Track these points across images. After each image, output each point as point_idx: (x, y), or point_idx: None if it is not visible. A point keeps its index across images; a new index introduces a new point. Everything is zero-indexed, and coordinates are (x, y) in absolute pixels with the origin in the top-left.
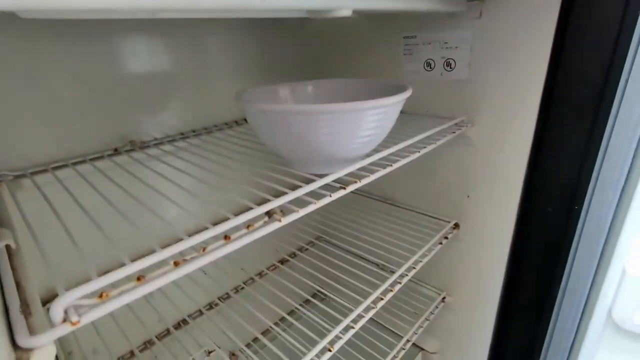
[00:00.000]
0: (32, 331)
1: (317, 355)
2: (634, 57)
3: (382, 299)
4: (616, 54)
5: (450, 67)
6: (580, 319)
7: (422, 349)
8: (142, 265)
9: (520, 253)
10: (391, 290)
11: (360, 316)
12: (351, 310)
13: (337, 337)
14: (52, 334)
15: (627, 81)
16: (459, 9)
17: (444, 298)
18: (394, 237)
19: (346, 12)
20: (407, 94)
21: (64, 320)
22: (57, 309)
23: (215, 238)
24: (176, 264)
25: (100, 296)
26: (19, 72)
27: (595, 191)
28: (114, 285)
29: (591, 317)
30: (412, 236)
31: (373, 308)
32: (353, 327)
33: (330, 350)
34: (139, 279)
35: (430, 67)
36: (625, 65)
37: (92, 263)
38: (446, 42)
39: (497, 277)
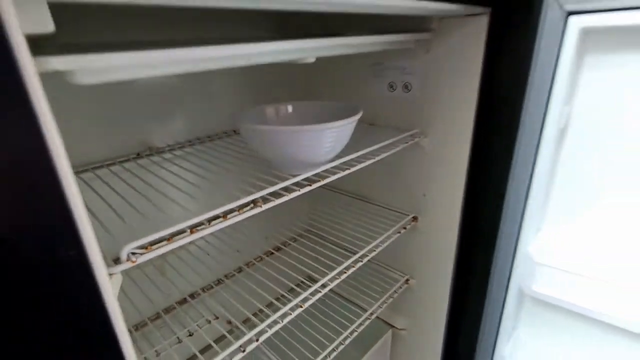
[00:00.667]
0: (110, 265)
1: (292, 309)
2: (530, 88)
3: (345, 272)
4: (524, 83)
5: (408, 89)
6: (506, 292)
7: (393, 326)
8: (171, 230)
9: (465, 241)
10: (353, 267)
11: (325, 285)
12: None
13: (308, 298)
14: (121, 267)
15: (528, 102)
16: (409, 46)
17: (407, 280)
18: (364, 227)
19: (311, 60)
20: (357, 117)
21: (127, 260)
22: (124, 253)
23: (215, 217)
24: (192, 231)
25: (146, 248)
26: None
27: (511, 187)
28: (151, 244)
29: (509, 290)
30: (378, 227)
31: (337, 279)
32: (320, 292)
33: (301, 307)
34: (168, 239)
35: (393, 89)
36: (526, 92)
37: (136, 230)
38: (405, 69)
39: (449, 263)
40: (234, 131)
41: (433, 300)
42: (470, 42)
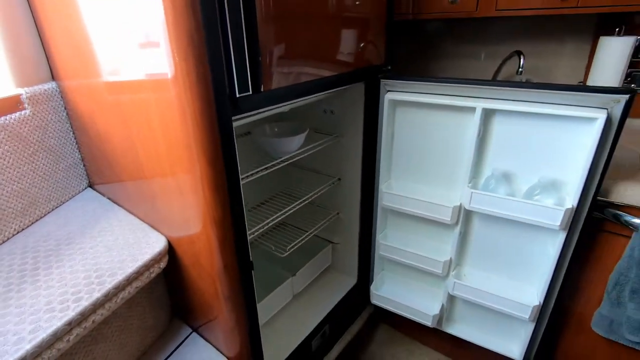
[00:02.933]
0: None
1: (276, 219)
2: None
3: (297, 206)
4: (376, 112)
5: (333, 113)
6: (377, 209)
7: (332, 242)
8: None
9: (363, 189)
10: (300, 204)
11: (284, 213)
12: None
13: (280, 216)
14: None
15: (379, 122)
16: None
17: (338, 213)
18: (313, 184)
19: (285, 109)
20: (305, 132)
21: None
22: None
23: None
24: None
25: None
26: None
27: (377, 161)
28: None
29: (377, 207)
30: (321, 183)
31: (293, 210)
32: (282, 216)
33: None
34: None
35: (326, 112)
36: (378, 117)
37: None
38: (331, 103)
39: (357, 202)
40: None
41: (352, 225)
42: (359, 91)
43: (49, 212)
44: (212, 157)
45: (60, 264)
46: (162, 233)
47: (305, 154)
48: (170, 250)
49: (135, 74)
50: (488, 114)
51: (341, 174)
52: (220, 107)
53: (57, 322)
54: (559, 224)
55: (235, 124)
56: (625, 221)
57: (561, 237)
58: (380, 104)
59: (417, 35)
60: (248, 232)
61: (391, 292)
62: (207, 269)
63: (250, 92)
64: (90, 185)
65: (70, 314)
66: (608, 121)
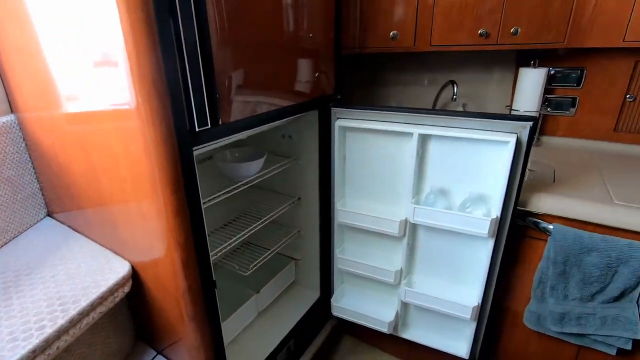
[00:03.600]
0: None
1: (239, 238)
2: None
3: (259, 225)
4: (329, 137)
5: (291, 138)
6: (334, 225)
7: (294, 258)
8: None
9: (322, 207)
10: (262, 224)
11: (246, 233)
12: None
13: (245, 234)
14: None
15: (332, 147)
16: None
17: (299, 231)
18: (274, 204)
19: (243, 137)
20: (264, 157)
21: None
22: None
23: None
24: None
25: None
26: None
27: (332, 181)
28: None
29: (334, 224)
30: (282, 203)
31: (255, 229)
32: (245, 235)
33: (230, 246)
34: None
35: (284, 137)
36: (331, 141)
37: None
38: (288, 129)
39: (316, 220)
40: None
41: (312, 241)
42: (313, 118)
43: (6, 243)
44: (174, 185)
45: (20, 295)
46: (125, 258)
47: (265, 177)
48: (134, 274)
49: (97, 111)
50: (424, 138)
51: (300, 194)
52: (181, 140)
53: (20, 350)
54: (487, 232)
55: (196, 153)
56: (542, 227)
57: (490, 244)
58: (332, 130)
59: (364, 66)
60: (211, 253)
61: (350, 303)
62: (171, 291)
63: (209, 126)
64: (49, 214)
65: (34, 341)
66: (518, 143)
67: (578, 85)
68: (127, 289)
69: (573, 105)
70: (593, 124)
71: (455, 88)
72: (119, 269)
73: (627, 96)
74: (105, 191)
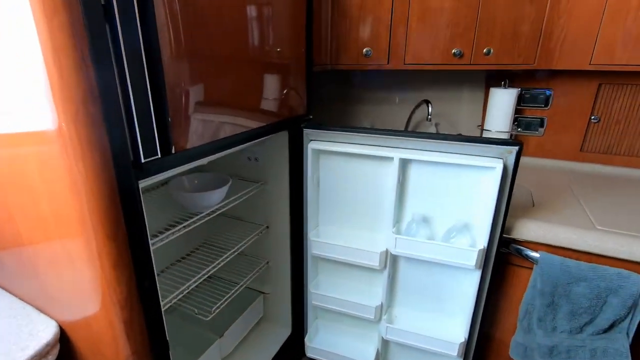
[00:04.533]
0: None
1: (199, 279)
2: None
3: (223, 261)
4: (301, 159)
5: (257, 160)
6: (307, 258)
7: (262, 292)
8: None
9: (293, 236)
10: (227, 257)
11: (208, 271)
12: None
13: (203, 276)
14: None
15: (305, 170)
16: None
17: (267, 262)
18: (240, 233)
19: (203, 162)
20: (228, 184)
21: None
22: None
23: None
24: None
25: None
26: None
27: (305, 207)
28: None
29: (308, 256)
30: (247, 233)
31: (219, 265)
32: (210, 271)
33: (200, 279)
34: None
35: (250, 160)
36: (303, 165)
37: None
38: (254, 152)
39: (287, 249)
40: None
41: (283, 274)
42: (283, 139)
43: None
44: (111, 228)
45: None
46: (51, 317)
47: (229, 206)
48: (63, 337)
49: (7, 133)
50: (405, 163)
51: (269, 222)
52: (121, 172)
53: None
54: (473, 264)
55: (142, 185)
56: (526, 255)
57: (477, 275)
58: (305, 153)
59: (336, 82)
60: (163, 302)
61: (326, 342)
62: (110, 359)
63: (159, 156)
64: None
65: None
66: (505, 169)
67: (546, 106)
68: (52, 357)
69: (541, 126)
70: (561, 145)
71: (429, 108)
72: (43, 332)
73: (592, 117)
74: (21, 231)
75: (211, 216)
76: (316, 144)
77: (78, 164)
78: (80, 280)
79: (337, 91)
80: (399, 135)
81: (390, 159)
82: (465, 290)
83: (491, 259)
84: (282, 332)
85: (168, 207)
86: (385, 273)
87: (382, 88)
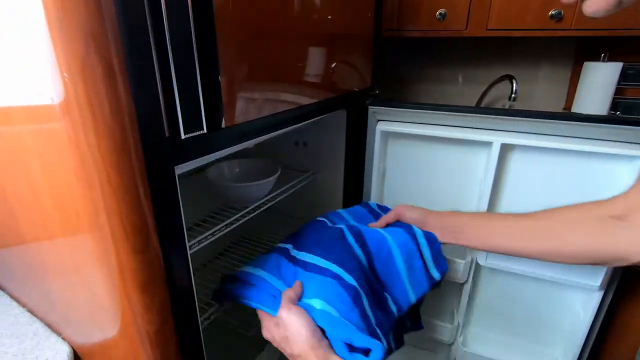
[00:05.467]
0: None
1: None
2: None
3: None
4: (364, 146)
5: (307, 145)
6: None
7: None
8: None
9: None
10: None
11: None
12: None
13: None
14: None
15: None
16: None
17: None
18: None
19: (249, 145)
20: (276, 176)
21: None
22: None
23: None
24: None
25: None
26: None
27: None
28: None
29: None
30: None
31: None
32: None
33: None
34: None
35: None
36: (366, 151)
37: None
38: (303, 135)
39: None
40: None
41: None
42: (338, 120)
43: None
44: (138, 235)
45: None
46: (64, 338)
47: (277, 199)
48: None
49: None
50: (505, 149)
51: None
52: (153, 155)
53: None
54: (598, 283)
55: (178, 171)
56: None
57: (597, 297)
58: (369, 136)
59: (392, 55)
60: (203, 317)
61: None
62: None
63: (205, 131)
64: None
65: None
66: None
67: None
68: None
69: None
70: None
71: (514, 85)
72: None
73: None
74: (24, 230)
75: (257, 212)
76: (386, 125)
77: (88, 138)
78: (97, 304)
79: (391, 66)
80: (501, 115)
81: (488, 144)
82: (574, 316)
83: (618, 275)
84: None
85: (199, 198)
86: (467, 288)
87: (447, 63)
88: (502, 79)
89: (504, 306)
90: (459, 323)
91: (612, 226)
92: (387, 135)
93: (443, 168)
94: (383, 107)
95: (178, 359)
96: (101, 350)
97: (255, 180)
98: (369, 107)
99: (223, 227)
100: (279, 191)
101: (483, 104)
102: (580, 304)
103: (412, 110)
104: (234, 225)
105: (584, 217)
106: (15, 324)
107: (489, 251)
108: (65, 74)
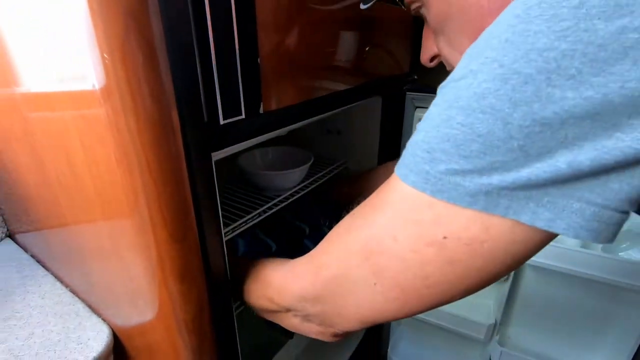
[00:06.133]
0: None
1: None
2: None
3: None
4: (400, 131)
5: (339, 133)
6: None
7: None
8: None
9: None
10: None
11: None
12: None
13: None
14: None
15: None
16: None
17: None
18: None
19: (282, 132)
20: (308, 164)
21: None
22: None
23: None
24: None
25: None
26: None
27: None
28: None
29: None
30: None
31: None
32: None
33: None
34: None
35: (338, 134)
36: (401, 138)
37: None
38: (335, 122)
39: None
40: None
41: None
42: (373, 107)
43: None
44: (178, 224)
45: None
46: (104, 319)
47: (308, 189)
48: (117, 345)
49: (43, 92)
50: None
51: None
52: (193, 140)
53: None
54: None
55: (215, 158)
56: None
57: None
58: (406, 125)
59: None
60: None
61: (412, 356)
62: None
63: (244, 116)
64: (10, 235)
65: None
66: None
67: None
68: None
69: None
70: None
71: None
72: (93, 340)
73: None
74: (66, 213)
75: (289, 200)
76: (425, 112)
77: (129, 123)
78: (134, 290)
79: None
80: None
81: None
82: (629, 319)
83: None
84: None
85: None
86: (507, 284)
87: None
88: None
89: (544, 304)
90: (496, 321)
91: None
92: None
93: None
94: (422, 94)
95: (213, 346)
96: (139, 333)
97: (287, 168)
98: (407, 93)
99: (255, 215)
100: (310, 179)
101: None
102: (637, 310)
103: None
104: (267, 214)
105: None
106: (59, 303)
107: None
108: (105, 55)
